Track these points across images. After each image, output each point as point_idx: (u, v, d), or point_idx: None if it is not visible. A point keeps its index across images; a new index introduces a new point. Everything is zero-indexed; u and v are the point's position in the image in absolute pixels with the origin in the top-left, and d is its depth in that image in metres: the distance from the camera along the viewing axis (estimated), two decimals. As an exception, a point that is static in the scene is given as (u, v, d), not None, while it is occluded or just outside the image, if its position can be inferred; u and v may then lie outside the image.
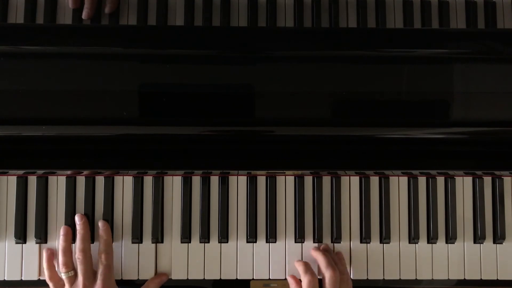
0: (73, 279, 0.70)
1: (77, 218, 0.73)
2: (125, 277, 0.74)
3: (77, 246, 0.71)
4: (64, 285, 0.71)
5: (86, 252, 0.71)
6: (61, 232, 0.73)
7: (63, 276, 0.70)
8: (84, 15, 0.75)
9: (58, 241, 0.73)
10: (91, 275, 0.70)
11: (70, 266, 0.71)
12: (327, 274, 0.70)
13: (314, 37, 0.65)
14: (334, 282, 0.69)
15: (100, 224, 0.73)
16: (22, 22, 0.75)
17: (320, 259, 0.73)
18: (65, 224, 0.74)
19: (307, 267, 0.72)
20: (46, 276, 0.72)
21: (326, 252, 0.74)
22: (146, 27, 0.75)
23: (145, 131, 0.63)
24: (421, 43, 0.64)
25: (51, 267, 0.72)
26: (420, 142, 0.65)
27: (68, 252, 0.72)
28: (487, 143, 0.67)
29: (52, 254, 0.73)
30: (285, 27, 0.77)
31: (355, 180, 0.77)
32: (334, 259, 0.73)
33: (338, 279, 0.70)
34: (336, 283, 0.70)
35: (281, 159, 0.67)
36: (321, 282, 0.72)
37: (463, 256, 0.76)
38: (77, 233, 0.72)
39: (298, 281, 0.73)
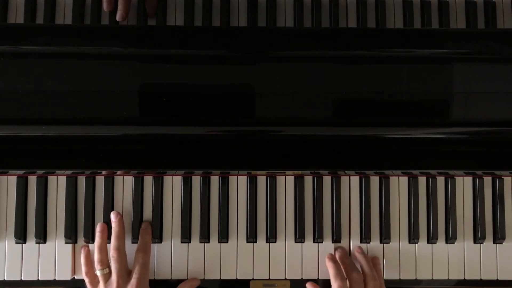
0: (107, 276, 0.70)
1: (112, 216, 0.73)
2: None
3: (112, 244, 0.71)
4: (99, 282, 0.71)
5: (120, 250, 0.71)
6: (98, 228, 0.73)
7: (98, 273, 0.70)
8: (118, 17, 0.75)
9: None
10: (125, 274, 0.70)
11: (105, 263, 0.71)
12: (335, 285, 0.70)
13: (314, 37, 0.65)
14: None
15: (143, 224, 0.74)
16: (22, 22, 0.75)
17: (329, 269, 0.73)
18: (65, 223, 0.74)
19: (339, 270, 0.72)
20: (83, 272, 0.72)
21: (346, 259, 0.74)
22: (146, 27, 0.75)
23: (145, 131, 0.63)
24: (421, 43, 0.64)
25: (89, 263, 0.73)
26: (420, 142, 0.65)
27: (104, 249, 0.72)
28: (487, 143, 0.67)
29: (89, 252, 0.73)
30: (285, 27, 0.77)
31: (355, 180, 0.77)
32: (367, 264, 0.72)
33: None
34: None
35: (281, 159, 0.67)
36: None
37: (463, 256, 0.76)
38: (112, 230, 0.72)
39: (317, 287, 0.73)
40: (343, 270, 0.72)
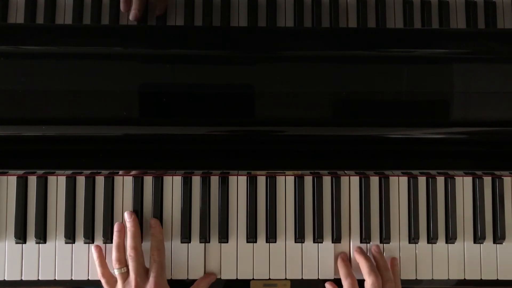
0: (125, 275, 0.70)
1: (126, 216, 0.73)
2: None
3: (128, 243, 0.71)
4: (116, 281, 0.71)
5: (137, 249, 0.71)
6: (116, 228, 0.73)
7: (116, 272, 0.70)
8: (131, 16, 0.75)
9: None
10: (142, 272, 0.70)
11: (123, 262, 0.71)
12: (370, 280, 0.70)
13: (314, 37, 0.65)
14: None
15: (152, 222, 0.74)
16: (22, 22, 0.75)
17: (362, 264, 0.73)
18: (65, 223, 0.74)
19: (348, 270, 0.72)
20: (98, 273, 0.72)
21: (379, 254, 0.74)
22: (146, 27, 0.75)
23: (145, 131, 0.63)
24: (421, 43, 0.64)
25: (103, 263, 0.73)
26: (420, 142, 0.65)
27: (121, 249, 0.72)
28: (487, 143, 0.67)
29: (102, 251, 0.73)
30: (285, 27, 0.77)
31: (355, 180, 0.77)
32: (383, 265, 0.73)
33: (380, 284, 0.70)
34: None
35: (281, 159, 0.67)
36: (362, 285, 0.72)
37: (463, 256, 0.76)
38: (128, 230, 0.72)
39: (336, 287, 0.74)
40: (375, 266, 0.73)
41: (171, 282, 0.74)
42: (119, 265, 0.70)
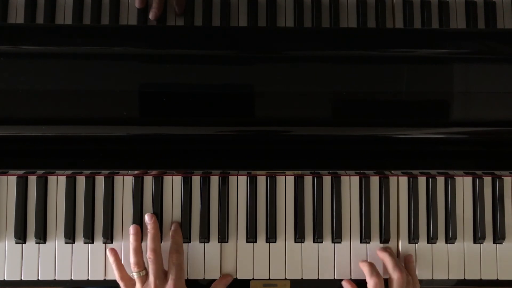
0: (144, 278, 0.70)
1: (147, 218, 0.73)
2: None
3: (148, 246, 0.71)
4: (134, 284, 0.71)
5: (156, 251, 0.71)
6: (131, 231, 0.73)
7: (135, 275, 0.70)
8: (151, 15, 0.75)
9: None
10: (162, 275, 0.70)
11: (142, 265, 0.71)
12: (395, 276, 0.70)
13: (314, 37, 0.65)
14: (401, 283, 0.69)
15: (173, 225, 0.74)
16: (22, 22, 0.75)
17: (387, 260, 0.72)
18: (65, 223, 0.74)
19: (373, 268, 0.72)
20: (116, 276, 0.72)
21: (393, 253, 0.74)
22: (146, 27, 0.75)
23: (145, 131, 0.63)
24: (421, 43, 0.64)
25: (121, 267, 0.72)
26: (420, 142, 0.65)
27: (139, 252, 0.72)
28: (487, 143, 0.67)
29: (117, 254, 0.73)
30: (285, 27, 0.77)
31: (355, 180, 0.77)
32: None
33: (405, 280, 0.69)
34: (403, 285, 0.69)
35: (281, 159, 0.67)
36: (387, 284, 0.71)
37: (463, 256, 0.76)
38: (148, 232, 0.72)
39: (354, 286, 0.73)
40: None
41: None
42: (138, 268, 0.70)
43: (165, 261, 0.73)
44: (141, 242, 0.73)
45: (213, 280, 0.75)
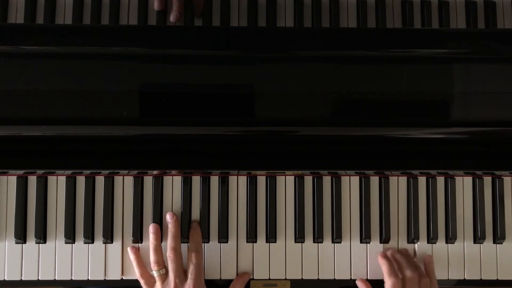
0: (164, 277, 0.71)
1: (168, 217, 0.74)
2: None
3: (168, 244, 0.71)
4: (155, 282, 0.71)
5: (177, 250, 0.71)
6: (151, 230, 0.73)
7: (155, 274, 0.71)
8: (172, 18, 0.76)
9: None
10: (181, 274, 0.70)
11: (161, 264, 0.71)
12: (390, 282, 0.70)
13: (314, 37, 0.65)
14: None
15: (193, 224, 0.74)
16: (22, 22, 0.75)
17: (383, 267, 0.73)
18: (65, 223, 0.74)
19: (392, 268, 0.72)
20: (137, 274, 0.72)
21: (403, 255, 0.74)
22: (146, 27, 0.75)
23: (145, 131, 0.63)
24: (421, 43, 0.64)
25: (141, 264, 0.73)
26: (420, 142, 0.65)
27: (159, 250, 0.72)
28: (487, 143, 0.67)
29: (138, 252, 0.74)
30: (285, 27, 0.77)
31: (355, 180, 0.77)
32: (414, 263, 0.73)
33: (400, 286, 0.70)
34: None
35: (281, 159, 0.67)
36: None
37: (463, 256, 0.76)
38: (169, 231, 0.72)
39: (369, 285, 0.73)
40: (396, 267, 0.72)
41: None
42: (157, 267, 0.71)
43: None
44: (161, 242, 0.74)
45: (213, 280, 0.75)
